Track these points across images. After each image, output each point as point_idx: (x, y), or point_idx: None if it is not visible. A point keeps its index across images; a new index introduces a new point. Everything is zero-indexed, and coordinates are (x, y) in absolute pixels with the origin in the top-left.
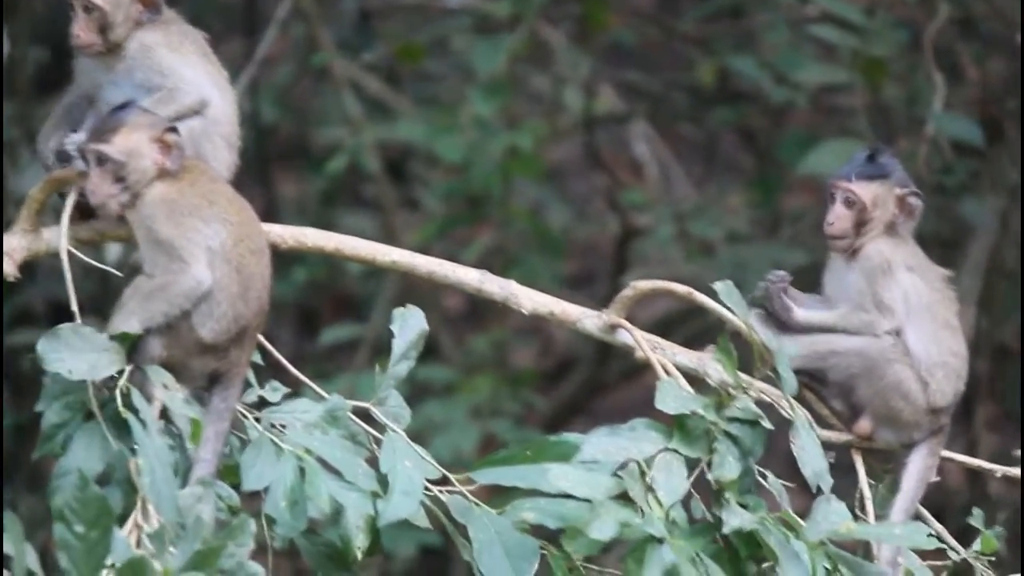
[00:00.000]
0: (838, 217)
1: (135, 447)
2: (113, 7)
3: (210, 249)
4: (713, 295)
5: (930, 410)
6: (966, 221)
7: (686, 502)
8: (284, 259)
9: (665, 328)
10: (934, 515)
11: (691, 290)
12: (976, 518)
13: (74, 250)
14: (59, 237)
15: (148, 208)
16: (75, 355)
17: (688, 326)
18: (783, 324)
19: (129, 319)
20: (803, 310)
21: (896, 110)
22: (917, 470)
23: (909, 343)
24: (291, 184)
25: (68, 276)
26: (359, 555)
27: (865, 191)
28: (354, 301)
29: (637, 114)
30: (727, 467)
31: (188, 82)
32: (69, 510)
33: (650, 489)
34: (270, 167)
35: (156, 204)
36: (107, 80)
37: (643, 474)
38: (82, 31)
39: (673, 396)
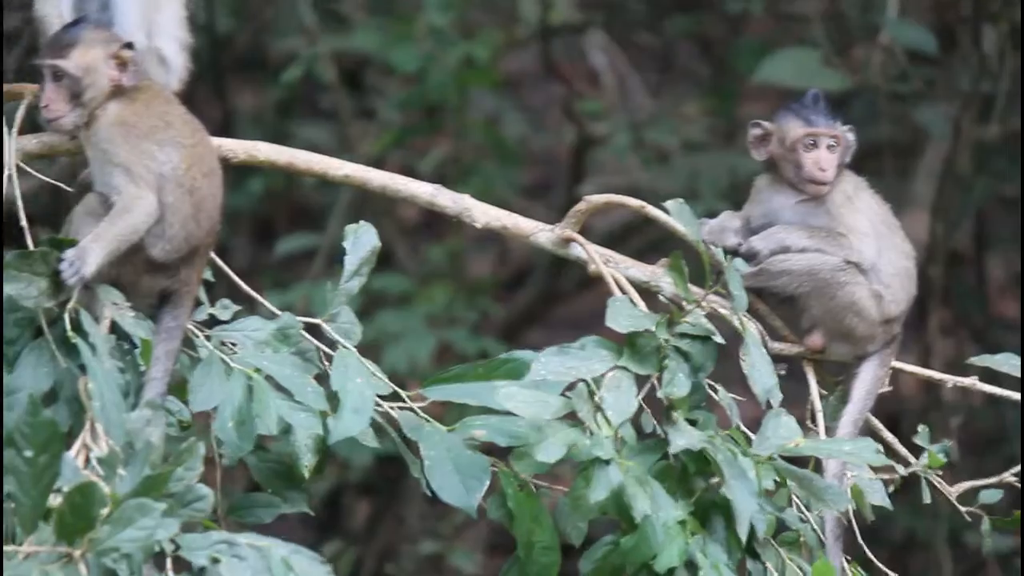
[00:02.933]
0: (829, 163)
1: (84, 365)
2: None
3: (162, 175)
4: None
5: (884, 321)
6: (921, 128)
7: (636, 418)
8: (240, 170)
9: (621, 237)
10: (888, 423)
11: (644, 204)
12: (923, 435)
13: (23, 165)
14: (8, 151)
15: (104, 131)
16: (15, 277)
17: (644, 235)
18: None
19: (93, 247)
20: (763, 240)
21: (851, 18)
22: (867, 380)
23: (867, 257)
24: (247, 95)
25: (17, 191)
26: (307, 473)
27: (845, 134)
28: (310, 210)
29: (593, 23)
30: (677, 384)
31: None
32: (19, 434)
33: (599, 408)
34: (226, 78)
35: (112, 126)
36: None
37: (592, 394)
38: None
39: (624, 314)
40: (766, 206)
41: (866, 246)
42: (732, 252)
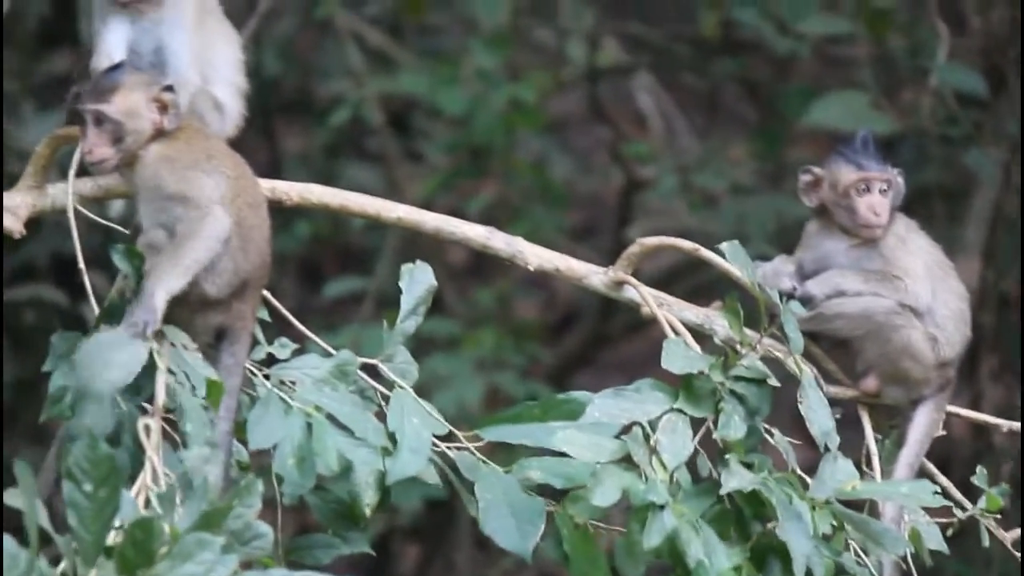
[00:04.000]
0: (883, 207)
1: (144, 406)
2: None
3: (211, 199)
4: (718, 248)
5: (939, 364)
6: (970, 172)
7: (692, 460)
8: (288, 212)
9: (671, 279)
10: (939, 467)
11: (697, 246)
12: (980, 477)
13: (79, 207)
14: (64, 194)
15: (150, 168)
16: (106, 364)
17: (694, 277)
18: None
19: (168, 279)
20: (818, 284)
21: (900, 61)
22: (923, 425)
23: (922, 300)
24: (295, 137)
25: (75, 235)
26: (368, 511)
27: (896, 177)
28: (358, 253)
29: (640, 66)
30: (733, 427)
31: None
32: (78, 469)
33: (654, 452)
34: (273, 120)
35: (158, 163)
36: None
37: (647, 437)
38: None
39: (679, 356)
40: (818, 251)
41: (921, 289)
42: (787, 296)
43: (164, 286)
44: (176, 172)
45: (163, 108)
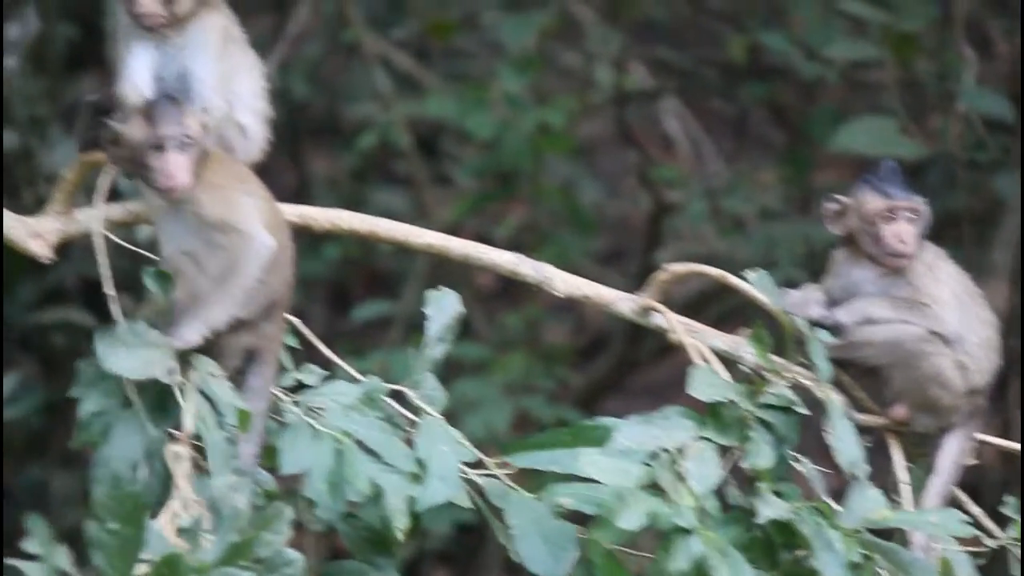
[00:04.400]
0: (910, 235)
1: (172, 432)
2: None
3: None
4: (746, 274)
5: (969, 392)
6: (998, 197)
7: (721, 488)
8: (317, 236)
9: (699, 305)
10: (969, 495)
11: (724, 273)
12: (1012, 507)
13: (107, 232)
14: (93, 220)
15: (192, 204)
16: (130, 353)
17: (723, 302)
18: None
19: (215, 310)
20: (847, 312)
21: (927, 86)
22: (952, 452)
23: (951, 327)
24: (322, 161)
25: (103, 261)
26: (401, 536)
27: (922, 206)
28: (386, 277)
29: (668, 90)
30: (761, 455)
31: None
32: (101, 507)
33: (682, 478)
34: (301, 144)
35: (199, 196)
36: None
37: (674, 463)
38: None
39: (707, 383)
40: (845, 279)
41: (950, 316)
42: (816, 324)
43: (208, 316)
44: (215, 197)
45: (205, 129)
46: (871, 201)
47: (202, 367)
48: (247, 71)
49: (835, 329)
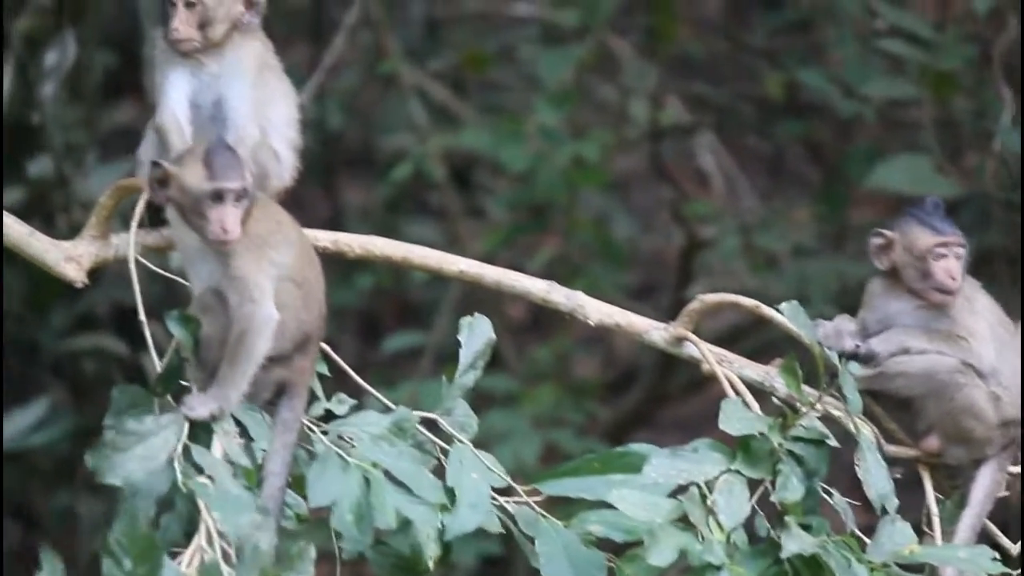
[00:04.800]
0: (958, 271)
1: (199, 466)
2: (216, 3)
3: (279, 277)
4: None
5: (1003, 423)
6: None
7: (750, 521)
8: (348, 266)
9: (731, 339)
10: (1000, 528)
11: (757, 303)
12: None
13: (141, 258)
14: (127, 245)
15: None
16: (125, 457)
17: (754, 338)
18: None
19: (238, 383)
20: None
21: (964, 125)
22: (985, 485)
23: (987, 361)
24: (356, 191)
25: (136, 287)
26: (431, 565)
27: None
28: (416, 308)
29: (703, 125)
30: (790, 488)
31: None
32: (117, 545)
33: (711, 512)
34: (335, 174)
35: (239, 239)
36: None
37: (704, 498)
38: (182, 25)
39: (737, 417)
40: (882, 312)
41: (985, 350)
42: (851, 356)
43: (235, 389)
44: (251, 250)
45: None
46: (921, 237)
47: (217, 426)
48: (282, 98)
49: (869, 358)
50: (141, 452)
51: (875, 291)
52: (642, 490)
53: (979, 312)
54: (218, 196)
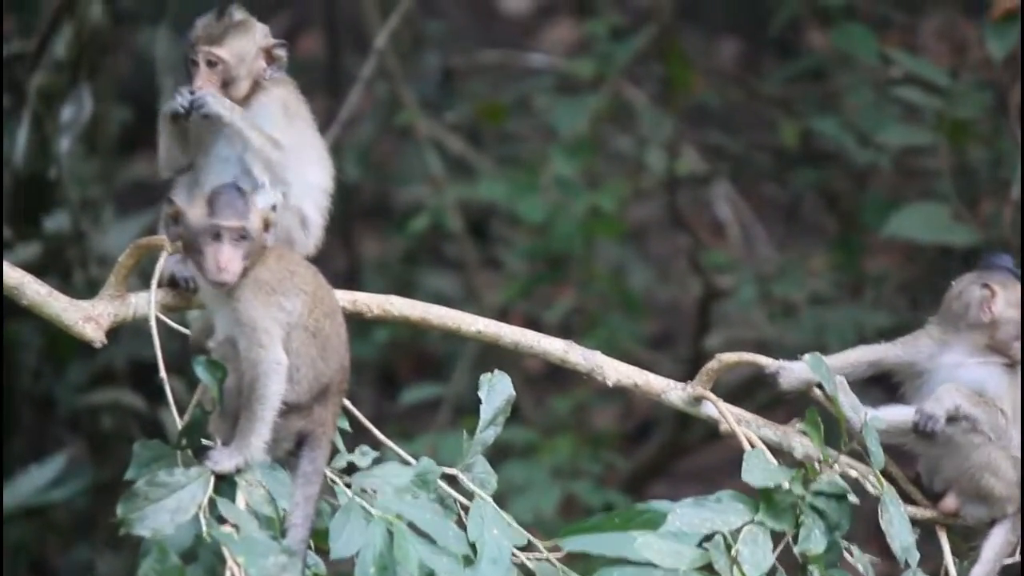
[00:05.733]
0: None
1: (222, 516)
2: (237, 61)
3: (289, 324)
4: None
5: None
6: None
7: (772, 573)
8: (364, 319)
9: (748, 390)
10: None
11: (774, 361)
12: None
13: (161, 316)
14: (146, 304)
15: (240, 290)
16: (156, 508)
17: (771, 388)
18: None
19: (260, 433)
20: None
21: (980, 172)
22: (997, 544)
23: (1015, 443)
24: (373, 242)
25: (157, 345)
26: None
27: None
28: (434, 360)
29: (719, 174)
30: (813, 541)
31: (293, 151)
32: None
33: (735, 562)
34: (353, 225)
35: (246, 285)
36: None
37: (728, 547)
38: (204, 84)
39: (760, 468)
40: (922, 356)
41: (1015, 433)
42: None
43: (258, 437)
44: (259, 297)
45: (268, 226)
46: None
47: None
48: (317, 162)
49: (927, 420)
50: (172, 504)
51: (930, 335)
52: (667, 539)
53: (1017, 385)
54: (216, 234)
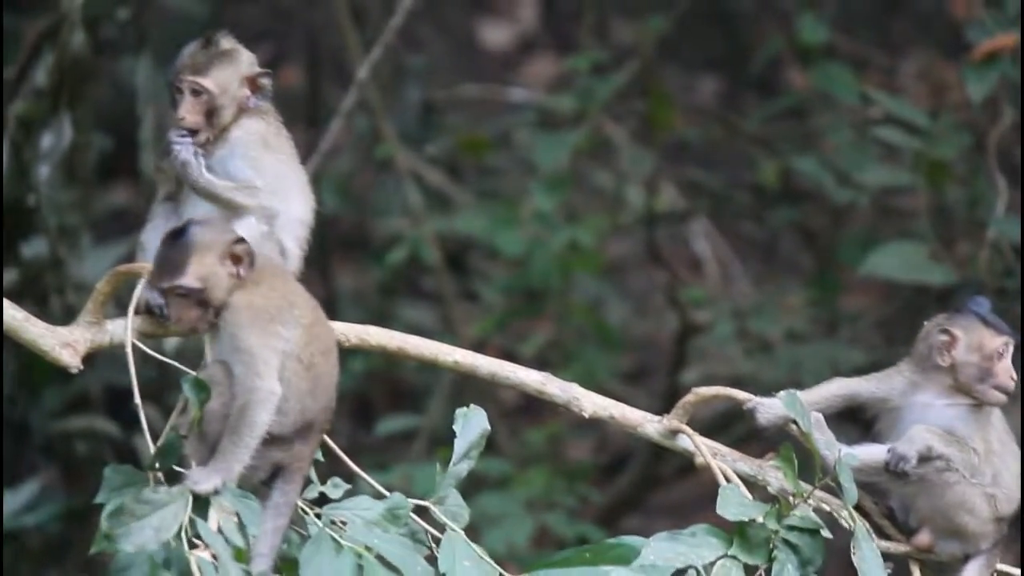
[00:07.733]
0: (1014, 373)
1: (195, 540)
2: (221, 91)
3: (284, 352)
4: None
5: (997, 519)
6: None
7: None
8: (341, 349)
9: (724, 425)
10: None
11: (751, 397)
12: None
13: (138, 343)
14: (123, 331)
15: (233, 315)
16: (141, 525)
17: (746, 424)
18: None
19: (239, 457)
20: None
21: (957, 213)
22: None
23: (988, 478)
24: (350, 274)
25: (132, 371)
26: None
27: None
28: (410, 391)
29: (698, 211)
30: (787, 574)
31: (273, 184)
32: None
33: None
34: (330, 257)
35: (241, 311)
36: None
37: None
38: (188, 114)
39: (734, 502)
40: (894, 393)
41: (988, 469)
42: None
43: (237, 462)
44: (256, 324)
45: (237, 260)
46: (988, 337)
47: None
48: (299, 195)
49: (898, 461)
50: (155, 522)
51: (902, 374)
52: (639, 573)
53: (993, 423)
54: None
